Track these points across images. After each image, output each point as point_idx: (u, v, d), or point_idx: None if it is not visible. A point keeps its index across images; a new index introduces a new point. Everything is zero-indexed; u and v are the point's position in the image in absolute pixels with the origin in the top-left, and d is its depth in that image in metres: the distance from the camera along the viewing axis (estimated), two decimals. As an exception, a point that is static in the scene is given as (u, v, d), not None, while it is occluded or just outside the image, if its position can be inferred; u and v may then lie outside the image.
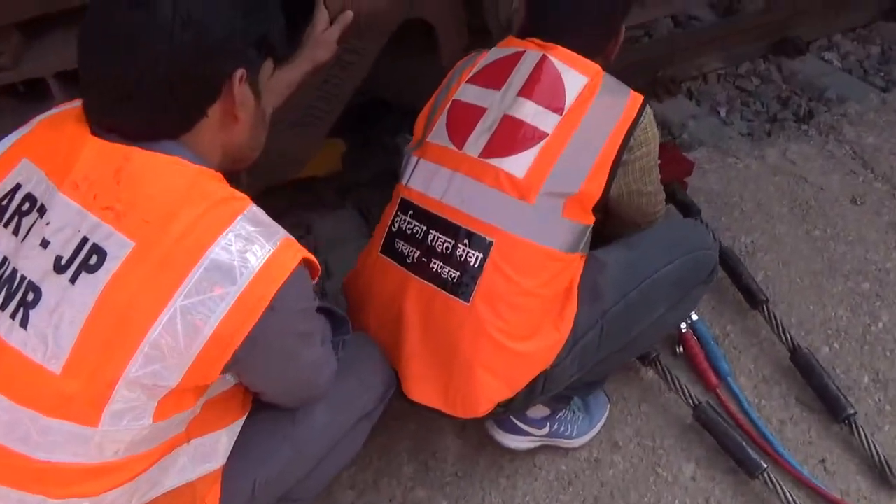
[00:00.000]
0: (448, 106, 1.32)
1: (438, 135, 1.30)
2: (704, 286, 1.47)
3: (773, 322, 1.66)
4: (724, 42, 2.95)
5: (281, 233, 0.91)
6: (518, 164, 1.22)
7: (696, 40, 2.90)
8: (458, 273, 1.21)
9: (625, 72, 2.68)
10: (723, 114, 2.78)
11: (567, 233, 1.24)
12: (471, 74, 1.34)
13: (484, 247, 1.20)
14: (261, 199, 2.18)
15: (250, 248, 0.85)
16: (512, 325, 1.21)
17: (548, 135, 1.22)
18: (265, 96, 0.99)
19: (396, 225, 1.30)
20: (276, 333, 0.91)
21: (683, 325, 1.66)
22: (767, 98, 2.85)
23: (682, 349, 1.66)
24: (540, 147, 1.22)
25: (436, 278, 1.23)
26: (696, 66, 2.93)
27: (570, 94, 1.24)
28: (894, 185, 2.07)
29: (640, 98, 1.29)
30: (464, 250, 1.21)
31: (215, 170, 0.93)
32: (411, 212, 1.28)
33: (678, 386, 1.56)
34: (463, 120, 1.28)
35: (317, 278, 0.98)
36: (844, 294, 1.80)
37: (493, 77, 1.30)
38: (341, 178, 2.35)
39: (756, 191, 2.06)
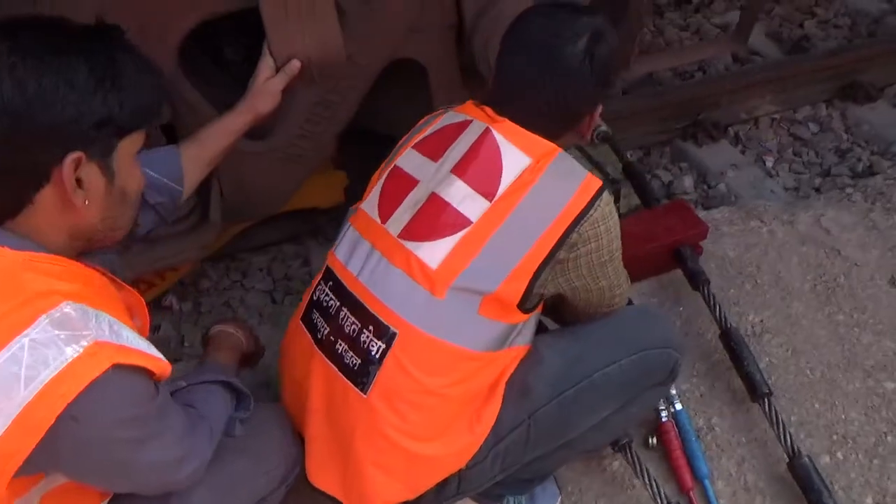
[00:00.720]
0: (388, 171, 1.22)
1: (370, 202, 1.20)
2: (661, 388, 1.31)
3: (773, 420, 1.47)
4: (783, 83, 2.71)
5: (89, 337, 0.82)
6: (433, 253, 1.09)
7: (747, 80, 2.67)
8: (360, 361, 1.11)
9: (662, 113, 2.57)
10: (769, 164, 2.55)
11: (485, 332, 1.11)
12: (421, 138, 1.23)
13: (387, 337, 1.09)
14: (259, 229, 2.19)
15: (44, 356, 0.79)
16: (413, 424, 1.10)
17: (471, 223, 1.09)
18: (123, 174, 0.92)
19: (317, 294, 1.21)
20: (88, 444, 0.84)
21: (664, 413, 1.50)
22: (824, 149, 2.60)
23: (655, 441, 1.49)
24: (460, 237, 1.08)
25: (339, 361, 1.13)
26: (746, 108, 2.71)
27: (507, 178, 1.10)
28: (945, 266, 1.80)
29: (595, 186, 1.11)
30: (367, 337, 1.10)
31: (61, 252, 0.88)
32: (331, 283, 1.19)
33: (648, 481, 1.40)
34: (395, 191, 1.18)
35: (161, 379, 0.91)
36: (861, 394, 1.57)
37: (436, 146, 1.18)
38: (343, 211, 2.29)
39: (777, 261, 1.84)
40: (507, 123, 1.13)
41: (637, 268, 1.78)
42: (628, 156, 2.60)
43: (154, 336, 2.02)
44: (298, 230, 2.31)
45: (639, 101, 2.63)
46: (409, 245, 1.11)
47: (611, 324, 1.26)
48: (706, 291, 1.68)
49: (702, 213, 2.00)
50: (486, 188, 1.10)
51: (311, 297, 1.22)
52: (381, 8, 1.58)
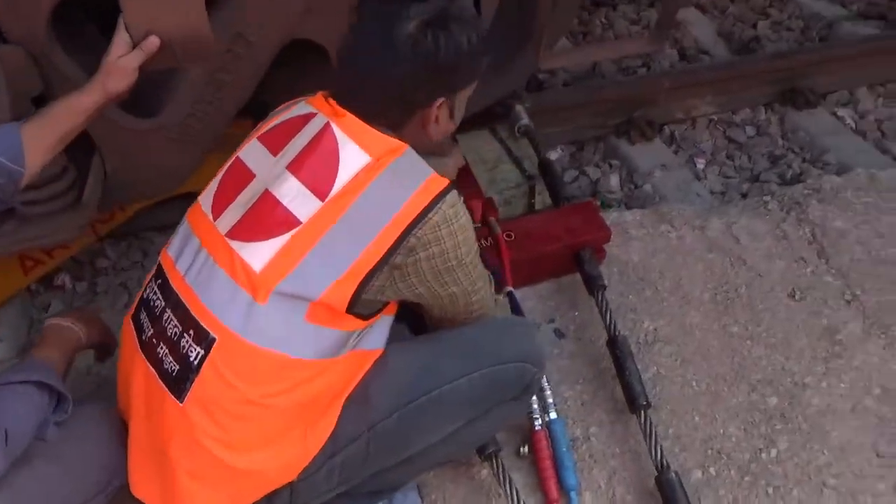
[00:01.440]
0: (230, 162, 1.16)
1: (206, 195, 1.14)
2: (516, 403, 1.26)
3: (647, 433, 1.44)
4: (724, 85, 2.66)
5: None
6: (258, 255, 1.02)
7: (686, 80, 2.62)
8: (178, 367, 1.05)
9: (598, 108, 2.51)
10: (700, 166, 2.51)
11: (314, 340, 1.04)
12: (267, 128, 1.16)
13: (206, 343, 1.03)
14: (164, 208, 2.11)
15: None
16: (233, 434, 1.04)
17: (300, 224, 1.02)
18: None
19: (146, 292, 1.15)
20: None
21: (538, 421, 1.46)
22: (757, 154, 2.56)
23: (527, 449, 1.45)
24: (287, 238, 1.02)
25: (159, 366, 1.07)
26: (684, 108, 2.66)
27: (342, 177, 1.03)
28: (848, 282, 1.77)
29: (437, 187, 1.04)
30: (187, 342, 1.04)
31: None
32: (160, 281, 1.12)
33: (511, 492, 1.36)
34: (231, 184, 1.11)
35: None
36: (743, 408, 1.54)
37: (278, 138, 1.11)
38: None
39: (681, 268, 1.80)
40: (350, 118, 1.07)
41: (537, 268, 1.75)
42: (560, 150, 2.56)
43: (44, 316, 1.95)
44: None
45: (575, 95, 2.58)
46: (235, 245, 1.04)
47: (465, 334, 1.20)
48: (600, 297, 1.64)
49: (614, 215, 1.95)
50: (320, 187, 1.03)
51: (142, 294, 1.15)
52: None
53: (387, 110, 1.07)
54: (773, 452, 1.47)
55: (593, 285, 1.66)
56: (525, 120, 2.14)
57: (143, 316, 1.12)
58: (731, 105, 2.71)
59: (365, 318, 1.08)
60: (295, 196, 1.04)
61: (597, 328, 1.67)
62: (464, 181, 1.86)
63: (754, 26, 3.17)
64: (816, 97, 2.70)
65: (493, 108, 2.25)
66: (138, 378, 1.10)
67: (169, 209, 2.15)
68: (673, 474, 1.37)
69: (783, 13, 3.26)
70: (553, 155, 2.53)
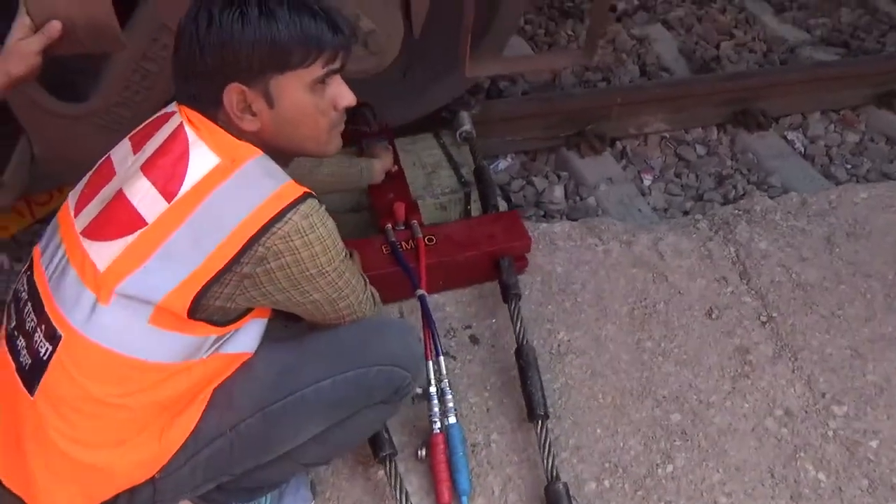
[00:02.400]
0: (102, 160, 1.15)
1: (75, 191, 1.13)
2: (386, 406, 1.25)
3: (542, 442, 1.45)
4: (677, 103, 2.69)
5: None
6: (105, 254, 1.01)
7: (641, 96, 2.64)
8: (31, 361, 1.05)
9: (551, 119, 2.53)
10: (646, 182, 2.53)
11: (161, 344, 1.03)
12: (140, 127, 1.15)
13: (54, 340, 1.02)
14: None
15: None
16: (83, 431, 1.05)
17: (146, 224, 1.00)
18: None
19: (18, 283, 1.14)
20: None
21: (437, 425, 1.47)
22: (705, 173, 2.59)
23: (425, 452, 1.47)
24: (132, 239, 1.00)
25: (16, 357, 1.08)
26: (637, 124, 2.68)
27: (191, 178, 1.01)
28: (765, 303, 1.79)
29: (291, 196, 1.01)
30: (39, 337, 1.04)
31: None
32: (28, 273, 1.12)
33: (401, 497, 1.37)
34: (96, 181, 1.11)
35: None
36: (645, 423, 1.56)
37: (143, 137, 1.10)
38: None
39: (602, 281, 1.82)
40: (198, 116, 1.05)
41: (457, 274, 1.76)
42: (510, 159, 2.58)
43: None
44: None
45: (529, 105, 2.60)
46: (86, 243, 1.04)
47: (334, 335, 1.19)
48: (513, 305, 1.65)
49: (543, 226, 1.97)
50: (168, 188, 1.01)
51: (15, 285, 1.15)
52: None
53: (196, 98, 1.05)
54: (669, 468, 1.49)
55: (508, 293, 1.67)
56: (467, 126, 2.16)
57: (12, 306, 1.13)
58: (684, 123, 2.73)
59: (221, 324, 1.07)
60: (144, 196, 1.02)
61: (512, 337, 1.68)
62: (393, 183, 1.88)
63: (717, 46, 3.20)
64: (769, 120, 2.73)
65: (438, 114, 2.28)
66: (1, 366, 1.10)
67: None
68: (561, 485, 1.38)
69: (747, 35, 3.30)
70: (503, 163, 2.55)
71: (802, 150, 2.70)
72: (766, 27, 3.33)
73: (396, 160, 1.93)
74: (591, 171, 2.52)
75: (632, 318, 1.75)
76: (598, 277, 1.84)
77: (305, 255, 1.04)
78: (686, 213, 2.38)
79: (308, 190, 1.05)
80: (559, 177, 2.52)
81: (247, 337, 1.13)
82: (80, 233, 1.05)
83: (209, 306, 1.03)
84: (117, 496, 1.10)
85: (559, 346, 1.69)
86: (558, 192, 2.43)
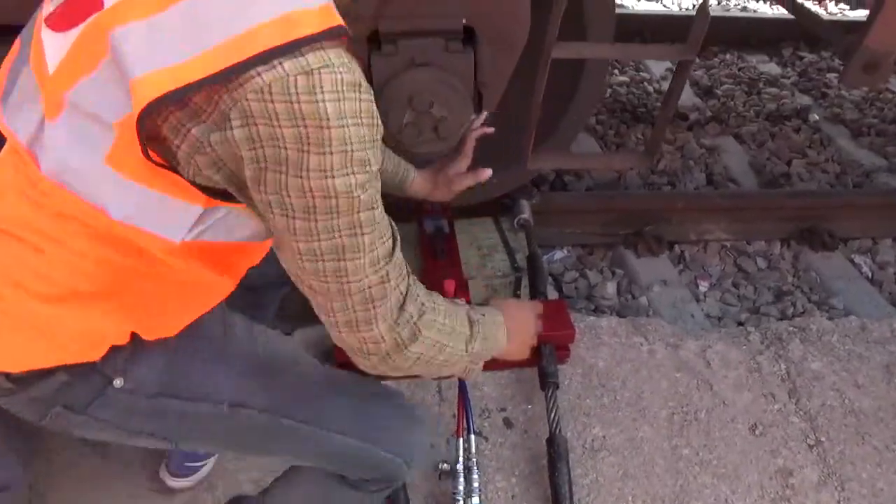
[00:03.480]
0: None
1: None
2: (368, 484, 1.16)
3: (564, 537, 1.42)
4: (740, 214, 2.69)
5: None
6: (56, 48, 0.78)
7: (701, 203, 2.66)
8: None
9: (609, 216, 2.57)
10: (702, 288, 2.51)
11: (127, 197, 0.78)
12: None
13: None
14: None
15: None
16: (27, 268, 0.84)
17: (102, 9, 0.74)
18: None
19: None
20: None
21: (459, 503, 1.46)
22: (763, 286, 2.55)
23: (443, 531, 1.46)
24: (83, 28, 0.76)
25: None
26: (697, 230, 2.69)
27: None
28: (814, 426, 1.73)
29: (309, 25, 0.71)
30: None
31: None
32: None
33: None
34: None
35: None
36: (675, 534, 1.50)
37: None
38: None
39: (644, 382, 1.80)
40: None
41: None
42: (567, 251, 2.62)
43: None
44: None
45: (588, 200, 2.66)
46: (44, 34, 0.81)
47: (371, 397, 1.14)
48: (550, 393, 1.65)
49: (590, 318, 1.98)
50: None
51: None
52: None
53: None
54: (695, 585, 1.42)
55: (546, 381, 1.67)
56: (525, 214, 2.22)
57: None
58: (746, 235, 2.72)
59: (192, 183, 0.78)
60: None
61: (545, 425, 1.67)
62: (447, 259, 1.95)
63: (789, 164, 3.20)
64: (835, 241, 2.69)
65: (500, 200, 2.36)
66: None
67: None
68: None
69: (821, 155, 3.29)
70: (559, 254, 2.59)
71: (870, 275, 2.63)
72: (840, 149, 3.33)
73: (452, 239, 2.00)
74: (645, 271, 2.53)
75: (671, 422, 1.72)
76: (638, 377, 1.82)
77: (293, 134, 0.71)
78: (740, 323, 2.34)
79: (342, 23, 0.75)
80: (613, 273, 2.54)
81: (241, 232, 0.87)
82: (44, 20, 0.82)
83: (170, 147, 0.75)
84: (54, 370, 0.88)
85: (593, 441, 1.67)
86: (611, 288, 2.43)
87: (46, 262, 0.83)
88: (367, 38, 1.67)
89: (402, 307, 0.91)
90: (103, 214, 0.79)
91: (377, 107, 0.79)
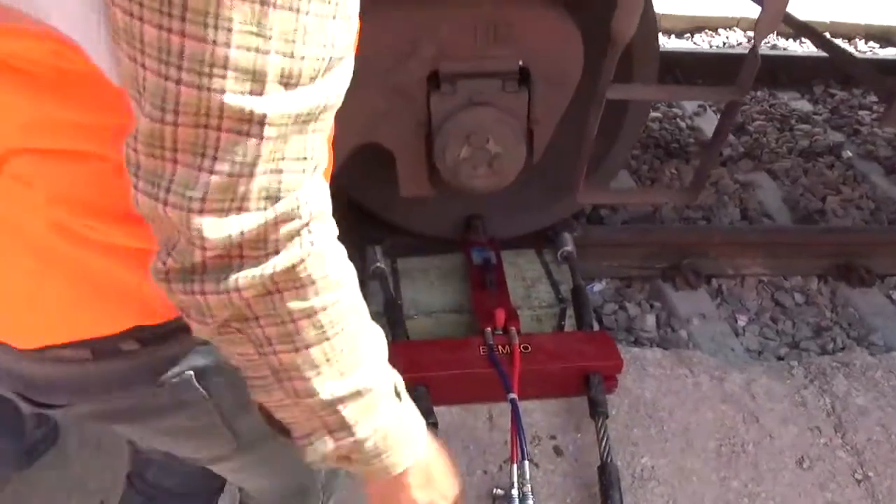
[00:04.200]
0: None
1: None
2: None
3: (618, 565, 1.45)
4: (776, 249, 2.73)
5: None
6: None
7: (738, 238, 2.71)
8: None
9: (648, 250, 2.62)
10: (741, 323, 2.54)
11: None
12: None
13: None
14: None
15: None
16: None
17: None
18: None
19: None
20: None
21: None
22: (802, 321, 2.57)
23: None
24: None
25: None
26: (734, 265, 2.72)
27: None
28: (861, 460, 1.75)
29: None
30: None
31: None
32: None
33: None
34: None
35: None
36: (726, 565, 1.52)
37: None
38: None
39: (690, 414, 1.83)
40: None
41: (547, 383, 1.83)
42: (605, 283, 2.67)
43: None
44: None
45: (628, 233, 2.71)
46: None
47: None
48: (600, 422, 1.69)
49: (635, 350, 2.02)
50: None
51: None
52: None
53: None
54: None
55: (596, 410, 1.72)
56: (569, 247, 2.28)
57: None
58: (784, 270, 2.75)
59: None
60: None
61: (595, 453, 1.71)
62: (495, 290, 2.01)
63: (823, 200, 3.24)
64: (872, 277, 2.72)
65: (543, 233, 2.43)
66: None
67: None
68: None
69: (855, 192, 3.32)
70: (598, 286, 2.64)
71: (908, 311, 2.64)
72: (875, 186, 3.36)
73: (500, 269, 2.06)
74: (684, 304, 2.57)
75: (718, 454, 1.75)
76: (684, 409, 1.85)
77: None
78: (780, 358, 2.37)
79: None
80: (652, 306, 2.58)
81: None
82: None
83: None
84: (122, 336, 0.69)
85: (642, 470, 1.70)
86: (650, 320, 2.47)
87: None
88: (426, 79, 1.76)
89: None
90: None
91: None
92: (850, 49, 5.02)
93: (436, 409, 1.71)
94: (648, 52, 2.08)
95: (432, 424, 1.65)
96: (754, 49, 1.58)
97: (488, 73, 1.74)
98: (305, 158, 0.54)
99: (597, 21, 1.63)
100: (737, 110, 1.73)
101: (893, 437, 1.80)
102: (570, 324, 2.16)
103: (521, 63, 1.75)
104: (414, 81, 1.75)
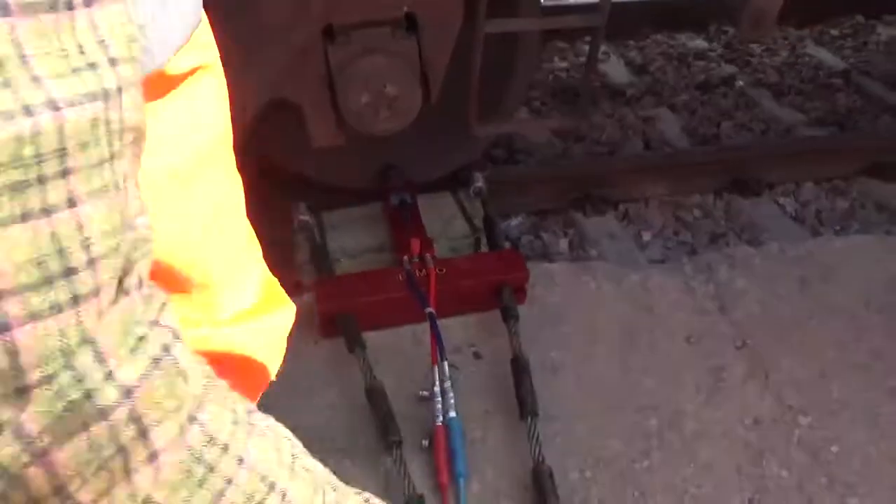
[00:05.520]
0: None
1: None
2: None
3: (530, 433, 1.66)
4: (676, 171, 2.98)
5: None
6: None
7: (636, 165, 2.95)
8: None
9: (561, 185, 2.84)
10: (646, 238, 2.78)
11: None
12: None
13: None
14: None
15: None
16: None
17: None
18: None
19: None
20: None
21: (439, 419, 1.69)
22: (700, 231, 2.83)
23: (427, 443, 1.69)
24: None
25: None
26: (639, 189, 2.96)
27: None
28: (740, 331, 2.00)
29: None
30: None
31: None
32: None
33: (405, 481, 1.59)
34: None
35: None
36: (627, 426, 1.75)
37: None
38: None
39: (594, 312, 2.06)
40: None
41: (463, 300, 2.02)
42: (521, 218, 2.88)
43: None
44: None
45: (540, 170, 2.93)
46: None
47: None
48: (511, 324, 1.90)
49: (544, 265, 2.24)
50: None
51: None
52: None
53: None
54: (646, 463, 1.67)
55: (507, 315, 1.92)
56: (479, 183, 2.47)
57: None
58: (684, 190, 3.01)
59: None
60: None
61: (510, 353, 1.92)
62: (411, 224, 2.19)
63: (718, 126, 3.51)
64: (762, 186, 2.99)
65: (456, 175, 2.62)
66: None
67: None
68: (546, 468, 1.59)
69: (746, 116, 3.61)
70: (515, 222, 2.85)
71: (793, 213, 2.93)
72: (764, 109, 3.64)
73: (415, 206, 2.25)
74: (592, 228, 2.79)
75: (620, 342, 1.98)
76: (588, 309, 2.08)
77: None
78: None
79: None
80: (566, 234, 2.80)
81: None
82: None
83: None
84: None
85: (552, 362, 1.92)
86: (563, 244, 2.70)
87: None
88: (322, 32, 1.92)
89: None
90: None
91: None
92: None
93: (364, 334, 1.89)
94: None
95: (359, 344, 1.83)
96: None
97: (378, 22, 1.91)
98: None
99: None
100: (600, 35, 1.94)
101: (768, 310, 2.06)
102: (485, 250, 2.36)
103: (406, 10, 1.92)
104: (310, 36, 1.91)
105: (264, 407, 0.53)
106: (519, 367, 1.77)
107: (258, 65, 1.90)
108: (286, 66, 1.94)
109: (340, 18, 1.88)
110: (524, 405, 1.71)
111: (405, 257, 2.04)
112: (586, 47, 4.17)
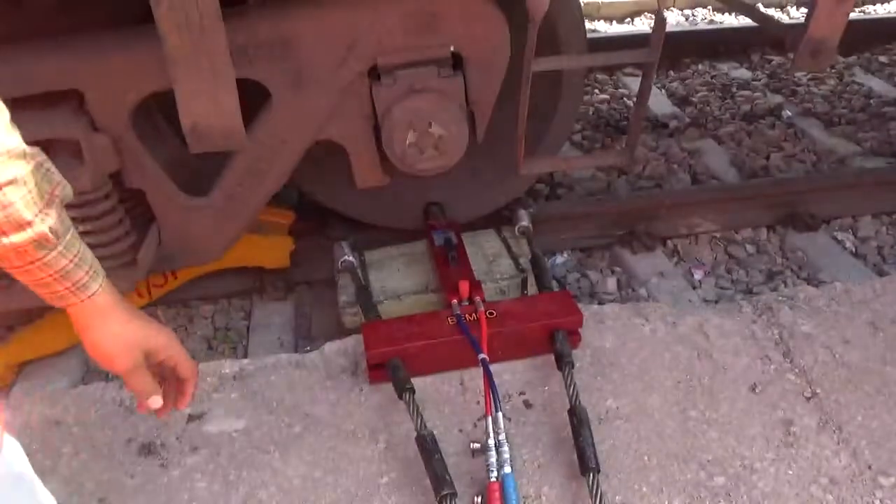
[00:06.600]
0: None
1: None
2: None
3: (593, 493, 1.56)
4: (726, 205, 2.88)
5: None
6: None
7: (683, 200, 2.86)
8: None
9: (604, 220, 2.76)
10: (697, 276, 2.68)
11: None
12: None
13: None
14: (210, 281, 2.45)
15: None
16: None
17: None
18: None
19: None
20: None
21: (493, 474, 1.61)
22: (755, 269, 2.72)
23: (480, 500, 1.60)
24: None
25: None
26: (687, 224, 2.87)
27: None
28: (809, 381, 1.88)
29: None
30: None
31: None
32: None
33: (458, 534, 1.50)
34: None
35: None
36: (690, 483, 1.64)
37: None
38: (287, 274, 2.55)
39: (649, 357, 1.96)
40: None
41: (514, 345, 1.95)
42: (566, 255, 2.80)
43: (93, 369, 2.28)
44: (245, 286, 2.57)
45: (583, 206, 2.85)
46: None
47: None
48: (566, 372, 1.81)
49: (594, 307, 2.15)
50: None
51: None
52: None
53: None
54: (713, 526, 1.56)
55: (562, 362, 1.84)
56: (524, 222, 2.41)
57: None
58: (733, 225, 2.90)
59: None
60: None
61: (562, 402, 1.83)
62: (458, 266, 2.13)
63: (767, 157, 3.40)
64: (817, 222, 2.87)
65: (500, 212, 2.56)
66: None
67: (212, 281, 2.50)
68: (608, 532, 1.48)
69: (796, 147, 3.50)
70: (560, 259, 2.77)
71: (853, 250, 2.80)
72: (815, 140, 3.53)
73: (461, 246, 2.19)
74: (640, 265, 2.70)
75: (677, 389, 1.87)
76: (643, 353, 1.97)
77: None
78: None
79: None
80: (612, 271, 2.71)
81: None
82: None
83: None
84: None
85: (607, 412, 1.82)
86: (611, 283, 2.61)
87: None
88: (367, 73, 1.89)
89: None
90: None
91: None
92: (782, 17, 5.24)
93: (412, 379, 1.82)
94: (573, 32, 2.23)
95: (409, 390, 1.76)
96: (660, 13, 1.73)
97: (423, 62, 1.87)
98: None
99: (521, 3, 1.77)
100: (653, 71, 1.87)
101: (837, 356, 1.94)
102: (533, 291, 2.28)
103: (452, 49, 1.88)
104: (356, 77, 1.88)
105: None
106: (577, 418, 1.68)
107: (305, 106, 1.88)
108: (330, 106, 1.91)
109: (386, 58, 1.85)
110: (584, 460, 1.61)
111: (454, 301, 1.98)
112: (627, 79, 4.16)
